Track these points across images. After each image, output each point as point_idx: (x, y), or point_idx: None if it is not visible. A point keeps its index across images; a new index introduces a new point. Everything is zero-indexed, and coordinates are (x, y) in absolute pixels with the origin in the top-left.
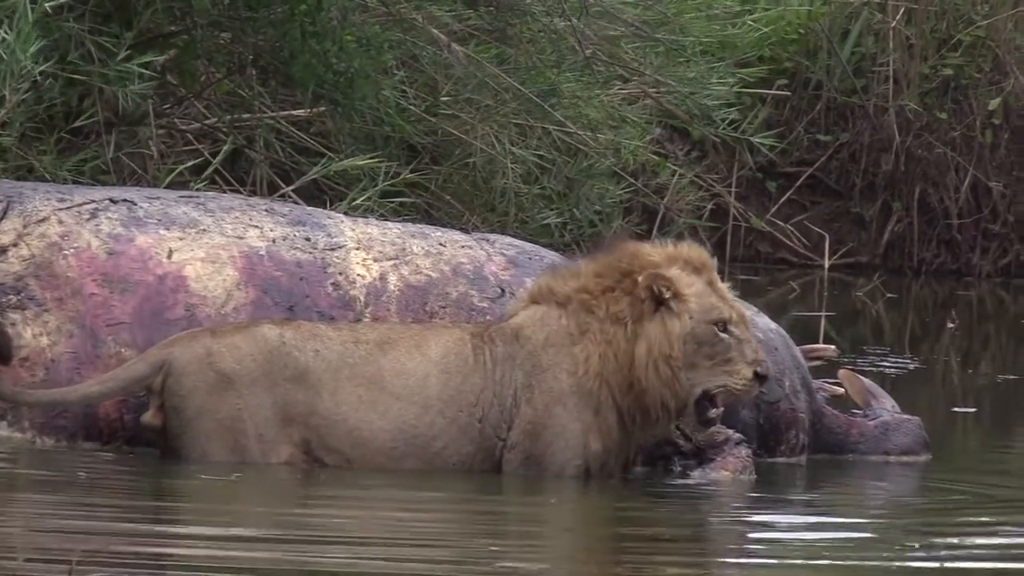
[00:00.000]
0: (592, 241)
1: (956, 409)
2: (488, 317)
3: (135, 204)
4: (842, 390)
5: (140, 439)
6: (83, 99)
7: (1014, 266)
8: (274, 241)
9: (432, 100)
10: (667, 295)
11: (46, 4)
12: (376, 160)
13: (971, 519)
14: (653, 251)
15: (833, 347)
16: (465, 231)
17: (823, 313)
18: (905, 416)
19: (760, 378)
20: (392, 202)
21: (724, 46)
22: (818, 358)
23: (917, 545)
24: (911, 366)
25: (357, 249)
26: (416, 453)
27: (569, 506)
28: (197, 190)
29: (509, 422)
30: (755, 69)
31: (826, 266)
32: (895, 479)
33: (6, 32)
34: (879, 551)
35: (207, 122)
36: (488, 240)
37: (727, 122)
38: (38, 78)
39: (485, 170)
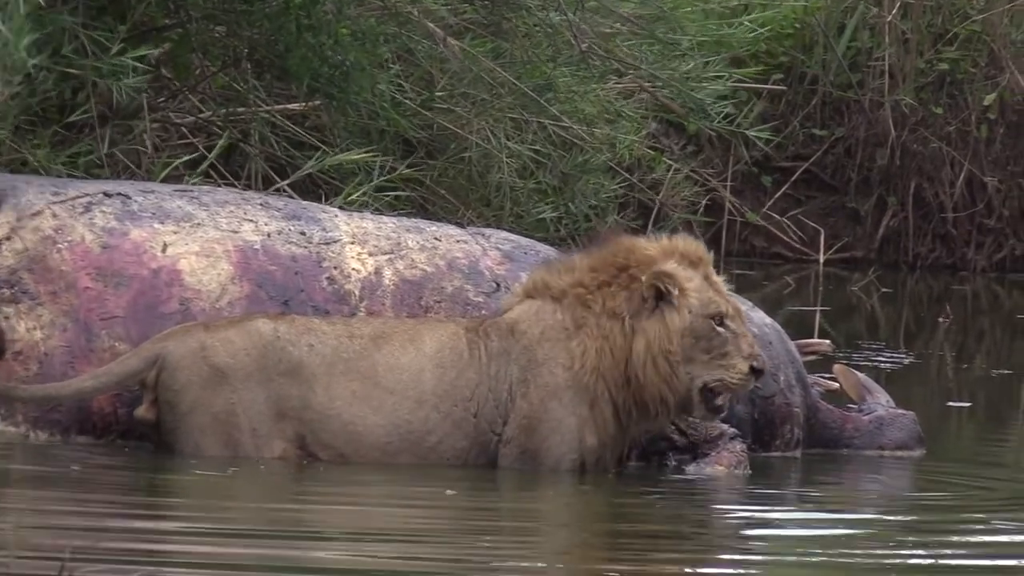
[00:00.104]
0: (587, 236)
1: (951, 404)
2: (483, 311)
3: (129, 198)
4: (837, 385)
5: (134, 433)
6: (77, 92)
7: (1009, 261)
8: (269, 235)
9: (427, 94)
10: (674, 292)
11: None
12: (371, 154)
13: (965, 514)
14: (649, 245)
15: (828, 342)
16: (460, 225)
17: (818, 308)
18: (900, 411)
19: (756, 372)
20: (387, 196)
21: (720, 43)
22: (813, 353)
23: (912, 540)
24: (906, 361)
25: (352, 243)
26: (411, 448)
27: (564, 501)
28: (192, 184)
29: (504, 417)
30: (751, 70)
31: (821, 261)
32: (890, 474)
33: None
34: (873, 546)
35: (202, 116)
36: (483, 234)
37: (722, 116)
38: (32, 71)
39: (480, 164)
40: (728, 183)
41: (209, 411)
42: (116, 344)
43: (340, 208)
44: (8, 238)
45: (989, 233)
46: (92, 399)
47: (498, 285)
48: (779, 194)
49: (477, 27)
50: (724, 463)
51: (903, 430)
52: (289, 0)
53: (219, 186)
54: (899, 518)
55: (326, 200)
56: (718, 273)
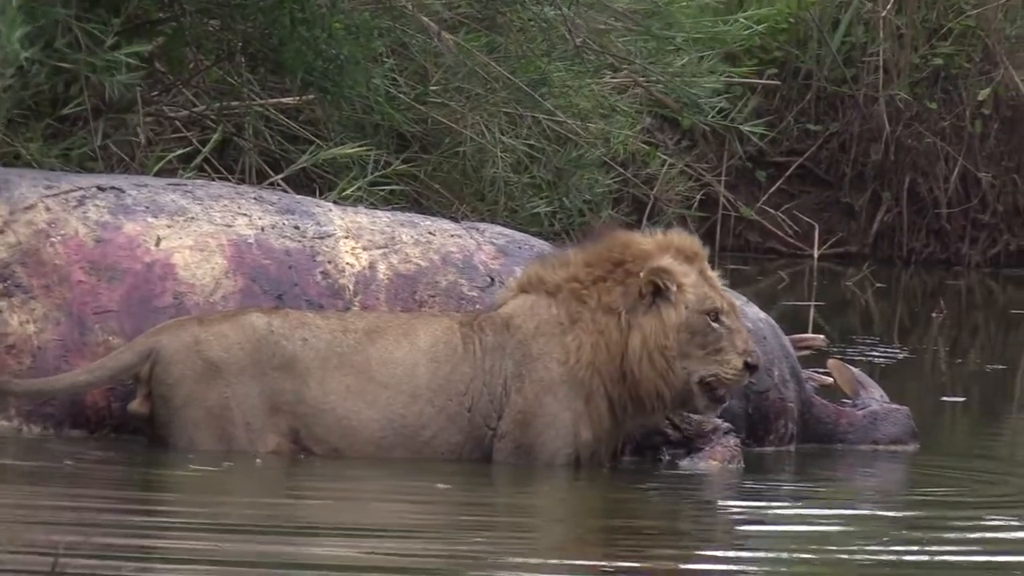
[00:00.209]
0: (581, 231)
1: (945, 398)
2: (477, 306)
3: (123, 192)
4: (831, 379)
5: (127, 427)
6: (70, 86)
7: (1003, 256)
8: (263, 229)
9: (422, 89)
10: (671, 288)
11: None
12: (365, 149)
13: (959, 509)
14: (645, 240)
15: (822, 337)
16: (455, 220)
17: (812, 303)
18: (894, 406)
19: (750, 368)
20: (382, 191)
21: (715, 39)
22: (807, 347)
23: (905, 535)
24: (900, 355)
25: (346, 238)
26: (405, 443)
27: (559, 496)
28: (186, 178)
29: (499, 411)
30: (746, 68)
31: (815, 256)
32: (883, 468)
33: None
34: (867, 540)
35: (195, 110)
36: (478, 229)
37: (717, 111)
38: (24, 64)
39: (475, 159)
40: (722, 178)
41: (203, 405)
42: (110, 338)
43: (334, 202)
44: (1, 232)
45: (983, 228)
46: (85, 393)
47: (492, 279)
48: (773, 189)
49: (471, 21)
50: (718, 458)
51: (897, 425)
52: None
53: (213, 180)
54: (893, 513)
55: (320, 195)
56: (712, 268)
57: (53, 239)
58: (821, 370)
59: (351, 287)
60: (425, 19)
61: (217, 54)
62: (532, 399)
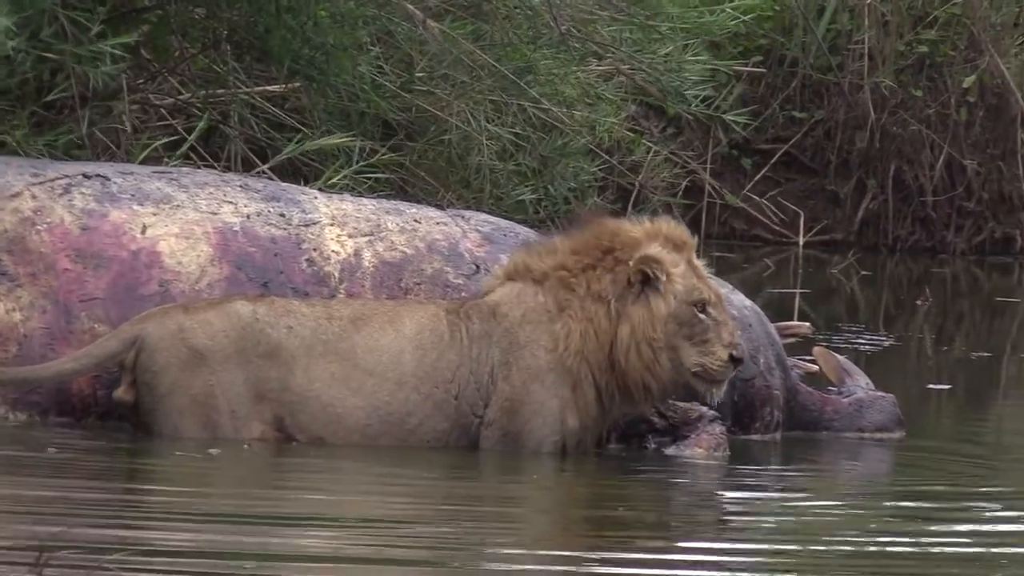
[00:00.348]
0: (567, 218)
1: (930, 386)
2: (463, 294)
3: (109, 179)
4: (816, 367)
5: (113, 415)
6: (55, 74)
7: (988, 243)
8: (248, 217)
9: (407, 76)
10: (661, 278)
11: None
12: (350, 138)
13: (945, 497)
14: (634, 228)
15: (808, 324)
16: (440, 207)
17: (798, 290)
18: (879, 393)
19: (735, 361)
20: (367, 179)
21: (700, 27)
22: (793, 335)
23: (891, 522)
24: (886, 343)
25: (332, 225)
26: (391, 430)
27: (545, 485)
28: (171, 166)
29: (486, 399)
30: (731, 59)
31: (801, 243)
32: (869, 456)
33: None
34: (853, 529)
35: (181, 97)
36: (463, 216)
37: (701, 99)
38: (11, 53)
39: (460, 147)
40: (708, 165)
41: (188, 393)
42: (96, 326)
43: (320, 190)
44: None
45: (968, 216)
46: (71, 381)
47: (478, 267)
48: (759, 176)
49: (457, 9)
50: (704, 445)
51: (883, 412)
52: None
53: (199, 168)
54: (879, 501)
55: (306, 183)
56: (698, 256)
57: (39, 227)
58: (807, 358)
59: (336, 275)
60: (410, 7)
61: (203, 42)
62: (519, 387)
